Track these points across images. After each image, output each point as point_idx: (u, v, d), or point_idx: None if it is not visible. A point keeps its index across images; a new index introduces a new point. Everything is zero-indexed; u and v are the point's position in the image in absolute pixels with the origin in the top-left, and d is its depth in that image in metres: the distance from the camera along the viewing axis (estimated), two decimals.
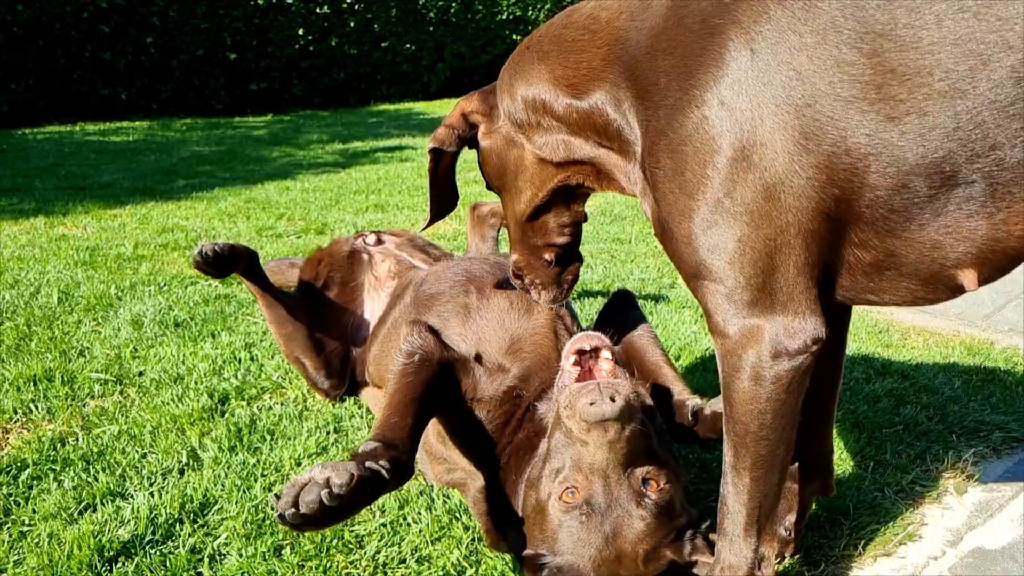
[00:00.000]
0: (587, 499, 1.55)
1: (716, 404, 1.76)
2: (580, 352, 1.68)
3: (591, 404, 1.50)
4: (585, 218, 1.77)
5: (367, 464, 1.43)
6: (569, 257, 1.77)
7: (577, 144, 1.53)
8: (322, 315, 2.50)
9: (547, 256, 1.73)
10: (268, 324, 2.55)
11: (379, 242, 2.69)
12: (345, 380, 2.49)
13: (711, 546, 1.60)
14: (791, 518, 1.73)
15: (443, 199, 1.85)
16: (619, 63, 1.41)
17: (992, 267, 1.23)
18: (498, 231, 2.93)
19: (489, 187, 1.74)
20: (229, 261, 2.28)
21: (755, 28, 1.20)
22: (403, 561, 1.74)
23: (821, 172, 1.19)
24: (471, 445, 1.85)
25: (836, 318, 1.60)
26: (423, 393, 1.72)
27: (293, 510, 1.31)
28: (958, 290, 1.27)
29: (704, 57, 1.25)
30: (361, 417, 2.39)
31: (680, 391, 1.86)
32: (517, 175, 1.62)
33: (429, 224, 1.88)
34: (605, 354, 1.68)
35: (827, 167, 1.18)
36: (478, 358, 1.89)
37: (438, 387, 1.77)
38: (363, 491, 1.41)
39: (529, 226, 1.70)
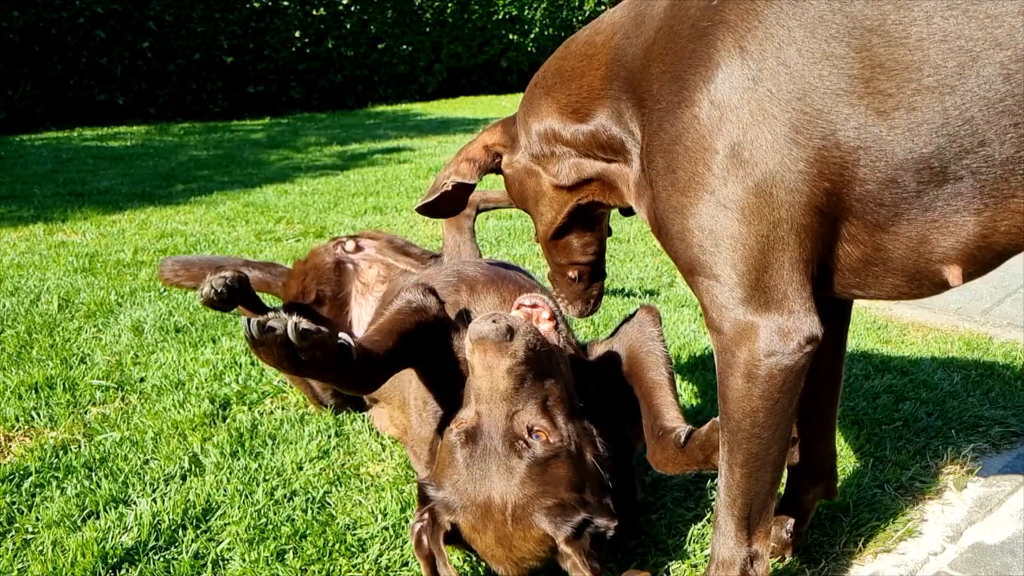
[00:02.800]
0: (468, 429, 1.56)
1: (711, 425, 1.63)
2: (521, 307, 1.74)
3: (475, 324, 1.55)
4: (609, 232, 1.83)
5: (340, 335, 1.52)
6: (594, 274, 1.83)
7: (587, 164, 1.59)
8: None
9: (571, 274, 1.80)
10: None
11: (358, 248, 2.64)
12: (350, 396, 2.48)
13: (596, 556, 1.50)
14: (793, 521, 1.74)
15: (445, 209, 1.88)
16: (618, 79, 1.45)
17: (977, 263, 1.24)
18: (474, 220, 2.89)
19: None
20: (239, 291, 2.24)
21: (744, 27, 1.22)
22: (405, 564, 1.75)
23: (812, 166, 1.20)
24: (444, 405, 1.86)
25: (835, 321, 1.60)
26: (411, 332, 1.76)
27: (258, 325, 1.38)
28: (942, 286, 1.28)
29: (693, 59, 1.27)
30: (362, 421, 2.40)
31: (673, 417, 1.77)
32: (537, 201, 1.70)
33: (423, 207, 1.86)
34: (544, 314, 1.73)
35: (817, 160, 1.19)
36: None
37: (426, 334, 1.79)
38: (326, 349, 1.47)
39: (553, 245, 1.76)
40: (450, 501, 1.56)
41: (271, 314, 1.44)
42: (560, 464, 1.54)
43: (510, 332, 1.54)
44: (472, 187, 1.79)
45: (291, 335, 1.39)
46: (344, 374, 1.55)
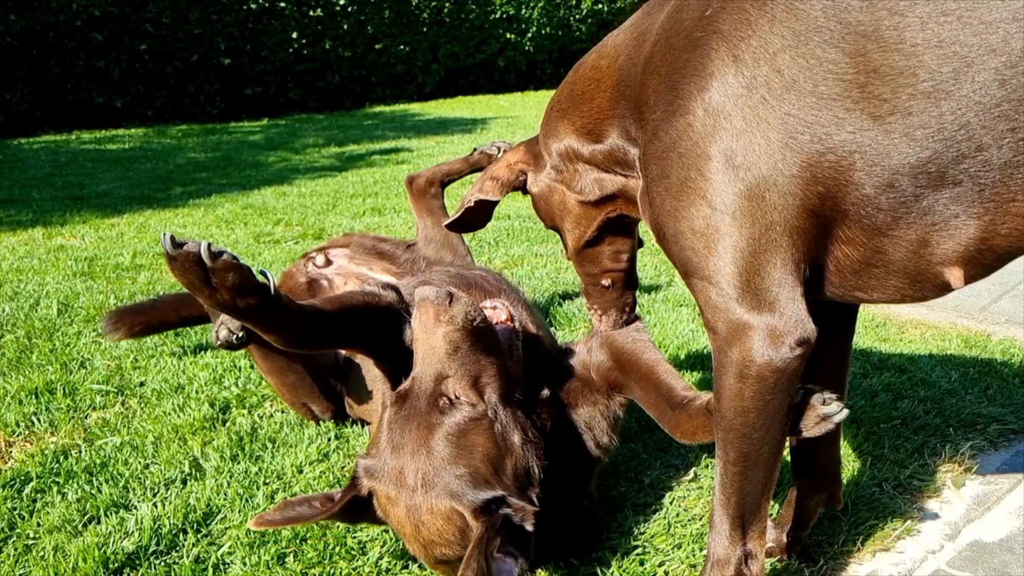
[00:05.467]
0: (400, 391, 1.58)
1: None
2: (483, 308, 1.77)
3: (419, 288, 1.61)
4: (640, 244, 1.84)
5: (262, 270, 1.51)
6: (627, 281, 1.84)
7: (607, 179, 1.63)
8: (311, 355, 2.36)
9: (604, 281, 1.82)
10: (265, 375, 2.44)
11: (329, 262, 2.60)
12: (345, 413, 2.45)
13: (514, 553, 1.47)
14: (791, 525, 1.75)
15: (472, 223, 1.91)
16: (623, 98, 1.50)
17: (979, 265, 1.24)
18: (442, 198, 2.84)
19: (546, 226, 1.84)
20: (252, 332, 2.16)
21: (737, 35, 1.23)
22: (406, 567, 1.76)
23: (805, 170, 1.21)
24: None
25: (840, 329, 1.61)
26: (357, 309, 1.76)
27: (172, 240, 1.39)
28: (945, 288, 1.28)
29: (687, 69, 1.29)
30: (362, 424, 2.41)
31: (684, 387, 1.77)
32: (564, 218, 1.73)
33: (452, 224, 1.90)
34: (501, 315, 1.78)
35: (811, 165, 1.20)
36: None
37: (377, 319, 1.79)
38: (240, 275, 1.45)
39: (584, 256, 1.79)
40: (371, 465, 1.55)
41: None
42: (480, 434, 1.53)
43: (450, 298, 1.57)
44: (495, 203, 1.82)
45: (203, 253, 1.41)
46: (262, 312, 1.52)
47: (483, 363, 1.59)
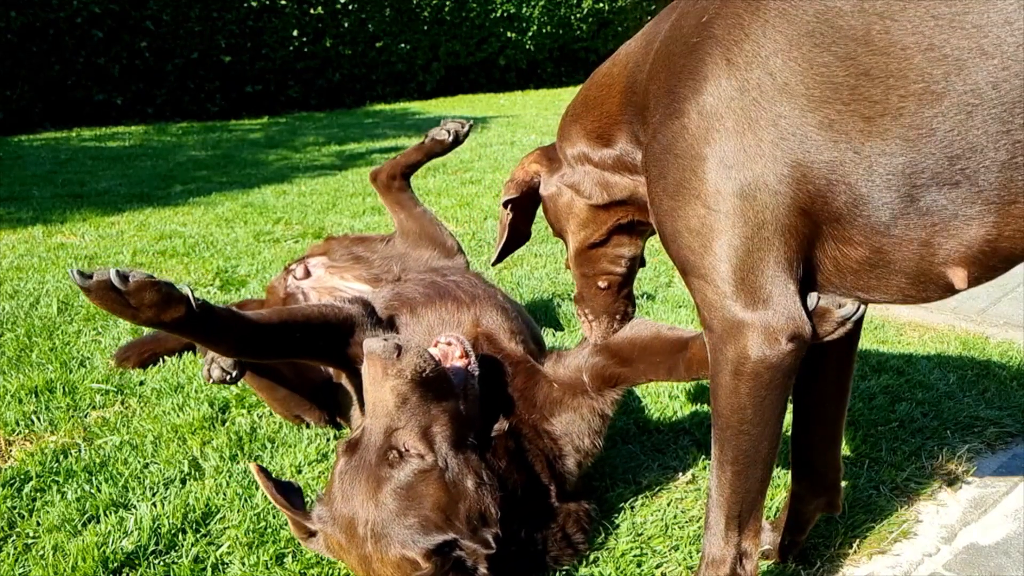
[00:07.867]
0: (350, 440, 1.60)
1: None
2: (437, 343, 1.79)
3: (368, 340, 1.61)
4: (643, 263, 1.84)
5: (185, 287, 1.51)
6: (622, 288, 1.82)
7: (618, 184, 1.65)
8: (300, 366, 2.35)
9: (600, 283, 1.80)
10: (257, 391, 2.43)
11: (308, 273, 2.60)
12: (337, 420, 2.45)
13: None
14: (786, 528, 1.75)
15: (516, 236, 1.91)
16: (631, 104, 1.53)
17: (983, 267, 1.25)
18: (409, 188, 2.83)
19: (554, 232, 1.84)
20: (247, 364, 2.15)
21: (731, 40, 1.26)
22: None
23: (796, 170, 1.22)
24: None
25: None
26: (314, 320, 1.77)
27: (79, 272, 1.41)
28: (948, 288, 1.29)
29: (684, 73, 1.32)
30: None
31: (693, 332, 1.76)
32: (569, 220, 1.75)
33: (499, 259, 1.92)
34: (456, 351, 1.78)
35: (802, 165, 1.22)
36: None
37: (333, 330, 1.80)
38: (156, 293, 1.45)
39: (584, 256, 1.78)
40: (323, 514, 1.60)
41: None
42: (430, 484, 1.54)
43: (398, 350, 1.57)
44: (520, 203, 1.81)
45: (113, 278, 1.41)
46: (190, 324, 1.53)
47: (434, 412, 1.60)
